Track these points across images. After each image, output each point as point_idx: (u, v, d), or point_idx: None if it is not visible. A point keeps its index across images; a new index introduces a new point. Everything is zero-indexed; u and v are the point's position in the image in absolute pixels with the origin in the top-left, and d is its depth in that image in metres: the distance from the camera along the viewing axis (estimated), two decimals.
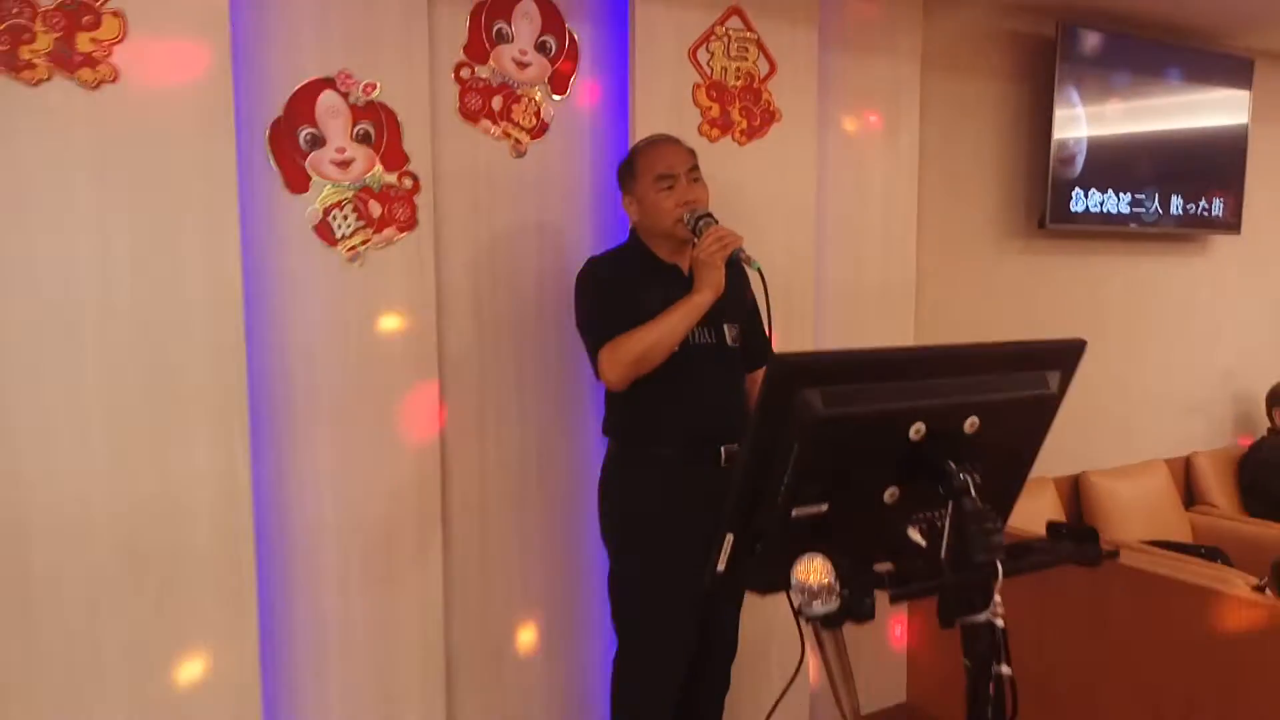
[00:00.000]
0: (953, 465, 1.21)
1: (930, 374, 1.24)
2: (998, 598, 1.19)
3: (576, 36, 2.45)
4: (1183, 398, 4.24)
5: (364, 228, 2.16)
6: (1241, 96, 3.95)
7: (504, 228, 2.40)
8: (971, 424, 1.24)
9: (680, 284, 2.09)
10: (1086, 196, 3.55)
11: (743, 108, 2.60)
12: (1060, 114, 3.42)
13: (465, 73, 2.31)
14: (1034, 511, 3.42)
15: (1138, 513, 3.77)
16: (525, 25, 2.37)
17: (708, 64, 2.54)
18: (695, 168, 2.16)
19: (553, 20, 2.41)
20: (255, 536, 2.06)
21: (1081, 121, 3.54)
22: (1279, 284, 4.53)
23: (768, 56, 2.64)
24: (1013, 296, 3.60)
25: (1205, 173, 3.95)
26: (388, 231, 2.19)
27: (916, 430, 1.20)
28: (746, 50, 2.60)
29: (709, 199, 2.17)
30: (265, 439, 2.13)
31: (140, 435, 1.93)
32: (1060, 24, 3.38)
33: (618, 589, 2.20)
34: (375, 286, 2.19)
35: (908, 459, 1.21)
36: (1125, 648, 2.56)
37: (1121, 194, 3.67)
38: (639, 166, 2.14)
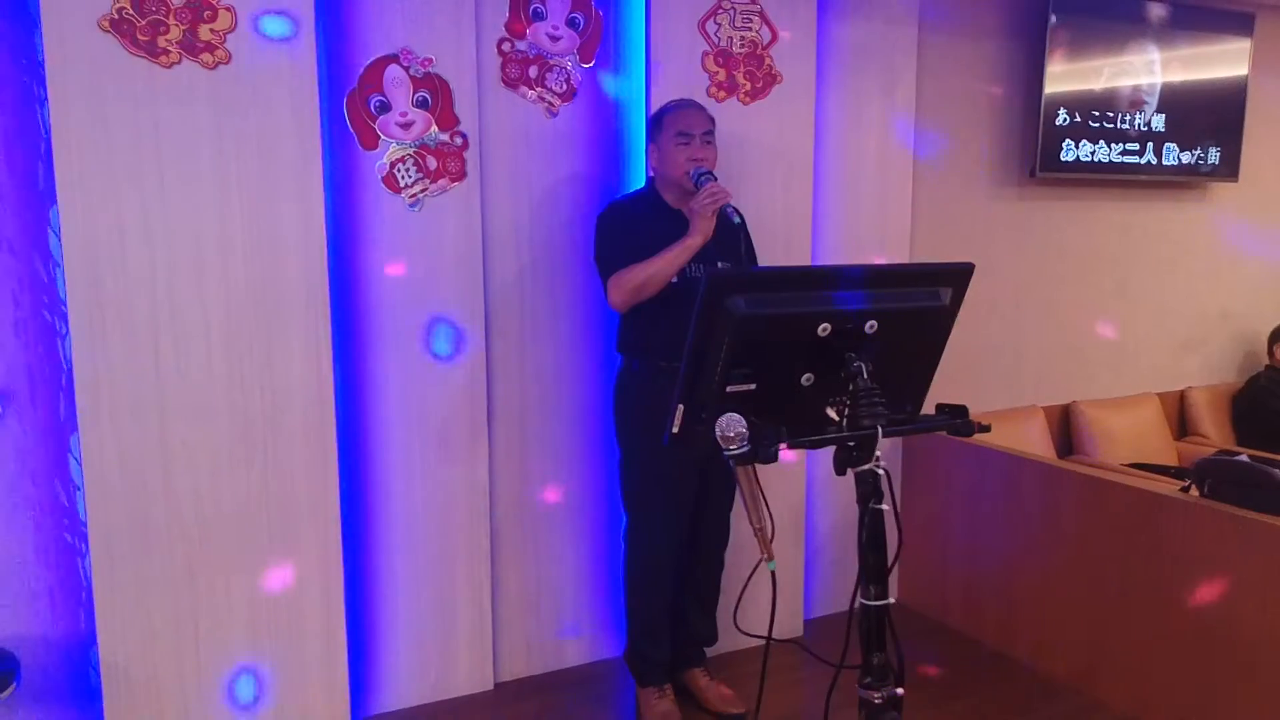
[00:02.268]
0: (851, 355, 1.61)
1: (836, 286, 1.63)
2: (879, 453, 1.58)
3: (601, 13, 2.81)
4: (1180, 336, 4.40)
5: (422, 178, 2.60)
6: (1242, 47, 4.06)
7: (539, 178, 2.79)
8: (871, 326, 1.63)
9: (681, 226, 2.49)
10: (1077, 147, 3.72)
11: (747, 72, 2.95)
12: (1053, 70, 3.62)
13: (506, 46, 2.71)
14: (1021, 435, 3.76)
15: (1124, 440, 3.99)
16: (557, 3, 2.74)
17: (715, 34, 2.89)
18: (710, 133, 2.53)
19: None
20: (337, 428, 2.54)
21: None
22: (1277, 231, 4.61)
23: (770, 25, 2.97)
24: (1007, 243, 3.80)
25: (1203, 123, 4.05)
26: (442, 181, 2.63)
27: (823, 329, 1.58)
28: (750, 21, 2.94)
29: (716, 161, 2.56)
30: (345, 350, 2.61)
31: (250, 347, 2.41)
32: None
33: (627, 474, 2.64)
34: (432, 227, 2.63)
35: (817, 351, 1.60)
36: (1075, 543, 2.91)
37: (1113, 144, 3.82)
38: (665, 121, 2.54)
